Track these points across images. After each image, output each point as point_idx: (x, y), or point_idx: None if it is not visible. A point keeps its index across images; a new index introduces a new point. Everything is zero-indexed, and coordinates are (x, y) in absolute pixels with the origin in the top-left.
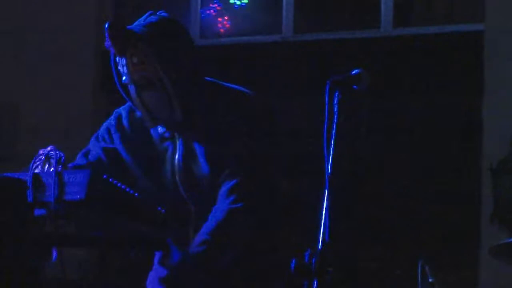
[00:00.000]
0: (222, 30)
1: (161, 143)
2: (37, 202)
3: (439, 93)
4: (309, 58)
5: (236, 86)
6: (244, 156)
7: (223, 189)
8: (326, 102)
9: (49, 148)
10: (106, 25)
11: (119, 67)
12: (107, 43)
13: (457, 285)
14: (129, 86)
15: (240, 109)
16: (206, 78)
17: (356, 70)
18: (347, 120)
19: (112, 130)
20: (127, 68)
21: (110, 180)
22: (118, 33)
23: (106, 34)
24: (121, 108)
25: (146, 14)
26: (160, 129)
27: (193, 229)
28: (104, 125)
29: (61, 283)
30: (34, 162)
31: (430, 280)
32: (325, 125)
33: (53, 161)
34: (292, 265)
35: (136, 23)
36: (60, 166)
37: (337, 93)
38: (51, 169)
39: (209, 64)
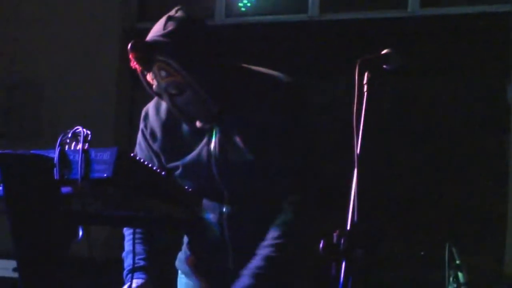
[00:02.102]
0: (247, 9)
1: (195, 132)
2: (63, 180)
3: (465, 74)
4: (335, 38)
5: (269, 71)
6: (290, 145)
7: (280, 188)
8: (356, 82)
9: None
10: (129, 47)
11: (147, 78)
12: (133, 63)
13: (484, 267)
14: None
15: (279, 95)
16: (236, 63)
17: (386, 50)
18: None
19: (145, 132)
20: (156, 80)
21: (137, 158)
22: (141, 53)
23: (129, 55)
24: (148, 105)
25: (165, 19)
26: (198, 123)
27: (226, 214)
28: (139, 131)
29: (87, 262)
30: (61, 140)
31: (457, 262)
32: (355, 105)
33: (80, 139)
34: (321, 246)
35: (156, 29)
36: (87, 143)
37: (366, 73)
38: (78, 147)
39: (233, 43)
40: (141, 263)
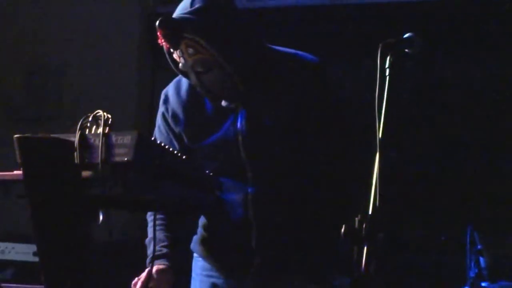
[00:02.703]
0: None
1: (220, 111)
2: (84, 163)
3: (488, 56)
4: (357, 22)
5: (296, 51)
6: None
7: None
8: (378, 66)
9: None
10: (157, 24)
11: (174, 56)
12: (160, 40)
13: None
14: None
15: (307, 74)
16: (263, 42)
17: (409, 34)
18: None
19: (166, 115)
20: (183, 58)
21: (158, 142)
22: (169, 31)
23: (157, 33)
24: (167, 88)
25: None
26: (223, 102)
27: (251, 194)
28: (158, 114)
29: (107, 245)
30: (82, 124)
31: (478, 247)
32: (377, 89)
33: (100, 122)
34: (342, 230)
35: (183, 6)
36: (107, 127)
37: (389, 57)
38: (99, 131)
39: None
40: (164, 250)
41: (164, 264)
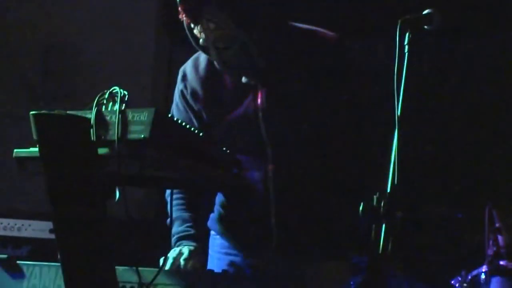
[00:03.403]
0: None
1: (240, 88)
2: (100, 141)
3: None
4: None
5: (316, 28)
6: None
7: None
8: (397, 43)
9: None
10: None
11: (194, 31)
12: (181, 15)
13: None
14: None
15: (328, 52)
16: (284, 19)
17: (428, 10)
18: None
19: (185, 92)
20: (204, 34)
21: (175, 119)
22: (190, 5)
23: (178, 8)
24: (185, 65)
25: None
26: (243, 79)
27: (271, 172)
28: (176, 92)
29: (123, 223)
30: (98, 100)
31: (497, 225)
32: (395, 66)
33: (116, 99)
34: (360, 209)
35: None
36: (124, 104)
37: (407, 33)
38: (115, 107)
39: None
40: (191, 231)
41: (193, 245)
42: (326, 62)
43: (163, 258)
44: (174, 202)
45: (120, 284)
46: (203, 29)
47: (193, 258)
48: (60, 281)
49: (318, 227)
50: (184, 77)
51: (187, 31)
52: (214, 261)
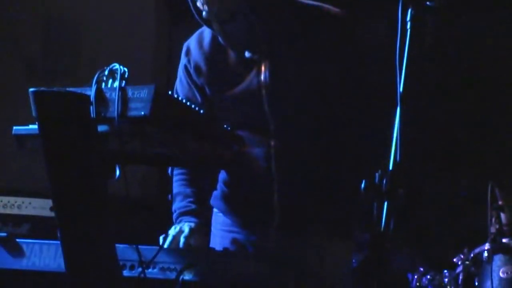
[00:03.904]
0: None
1: (243, 63)
2: (100, 118)
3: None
4: None
5: (320, 3)
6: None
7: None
8: (399, 19)
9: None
10: None
11: (197, 4)
12: None
13: None
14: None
15: (332, 26)
16: None
17: None
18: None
19: (188, 67)
20: (207, 6)
21: (175, 96)
22: None
23: None
24: (189, 40)
25: None
26: (247, 53)
27: (274, 148)
28: (180, 67)
29: (124, 200)
30: (98, 77)
31: (499, 202)
32: (397, 42)
33: (117, 76)
34: (362, 186)
35: None
36: (124, 81)
37: (410, 10)
38: (115, 84)
39: None
40: (192, 206)
41: (194, 222)
42: (330, 37)
43: (163, 236)
44: (176, 178)
45: (120, 262)
46: (206, 2)
47: (193, 236)
48: (60, 259)
49: (321, 204)
50: (188, 52)
51: (190, 3)
52: (217, 239)
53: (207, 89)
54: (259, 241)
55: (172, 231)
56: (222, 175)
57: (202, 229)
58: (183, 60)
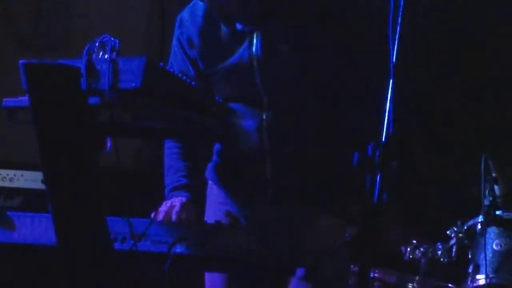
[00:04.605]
0: None
1: (235, 36)
2: (91, 90)
3: None
4: None
5: None
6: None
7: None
8: None
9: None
10: None
11: None
12: None
13: None
14: None
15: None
16: None
17: None
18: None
19: (181, 39)
20: None
21: (167, 68)
22: None
23: None
24: (182, 12)
25: None
26: (238, 25)
27: (266, 121)
28: (173, 39)
29: (116, 173)
30: (88, 49)
31: (493, 175)
32: (391, 13)
33: (107, 48)
34: (355, 159)
35: None
36: (114, 53)
37: None
38: (106, 56)
39: None
40: (183, 181)
41: (185, 196)
42: (323, 8)
43: (154, 213)
44: (168, 152)
45: (112, 235)
46: None
47: (184, 211)
48: (51, 232)
49: (314, 176)
50: (181, 24)
51: None
52: (211, 212)
53: (199, 62)
54: (252, 214)
55: (163, 208)
56: (217, 146)
57: (194, 203)
58: (176, 32)
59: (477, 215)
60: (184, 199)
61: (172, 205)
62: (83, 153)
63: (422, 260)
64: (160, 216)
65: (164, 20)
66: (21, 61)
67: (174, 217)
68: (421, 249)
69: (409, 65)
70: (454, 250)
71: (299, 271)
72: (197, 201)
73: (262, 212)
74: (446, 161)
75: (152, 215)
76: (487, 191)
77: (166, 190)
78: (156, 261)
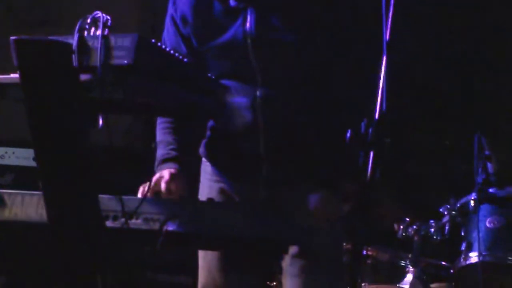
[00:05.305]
0: None
1: (229, 12)
2: (83, 67)
3: None
4: None
5: None
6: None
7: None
8: None
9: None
10: None
11: None
12: None
13: None
14: None
15: None
16: None
17: None
18: None
19: (175, 16)
20: None
21: (159, 45)
22: None
23: None
24: None
25: None
26: (231, 1)
27: (259, 97)
28: (167, 16)
29: (107, 150)
30: (80, 26)
31: (486, 153)
32: None
33: (99, 24)
34: (348, 136)
35: None
36: (106, 29)
37: None
38: (98, 32)
39: None
40: (172, 153)
41: (174, 168)
42: None
43: (142, 186)
44: (160, 126)
45: (104, 213)
46: None
47: (174, 181)
48: (42, 210)
49: (307, 153)
50: (175, 2)
51: None
52: (205, 189)
53: (193, 39)
54: (246, 191)
55: (153, 178)
56: (211, 122)
57: (183, 174)
58: (170, 9)
59: (470, 193)
60: (173, 170)
61: (161, 175)
62: (74, 130)
63: (415, 238)
64: (150, 185)
65: None
66: (12, 38)
67: (163, 186)
68: (414, 227)
69: (403, 40)
70: (447, 227)
71: (293, 249)
72: (185, 173)
73: (256, 189)
74: (439, 138)
75: (141, 188)
76: (480, 169)
77: (156, 163)
78: (148, 239)
